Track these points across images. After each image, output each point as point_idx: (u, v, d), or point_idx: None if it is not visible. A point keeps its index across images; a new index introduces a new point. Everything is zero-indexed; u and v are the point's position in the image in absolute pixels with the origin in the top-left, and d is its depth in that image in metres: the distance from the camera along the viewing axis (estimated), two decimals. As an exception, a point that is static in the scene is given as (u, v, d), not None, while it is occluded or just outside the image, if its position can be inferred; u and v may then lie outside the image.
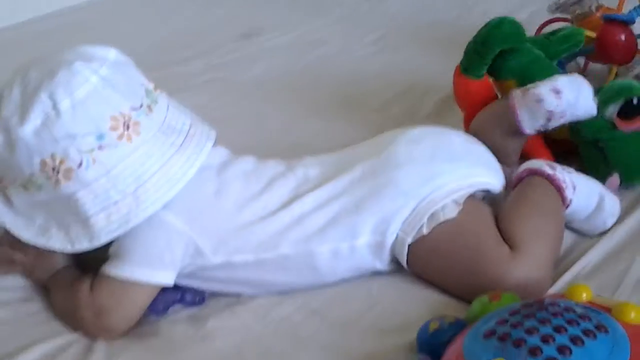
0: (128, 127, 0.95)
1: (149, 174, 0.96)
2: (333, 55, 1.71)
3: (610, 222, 1.08)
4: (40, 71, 0.95)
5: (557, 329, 0.76)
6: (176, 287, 1.02)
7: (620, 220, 1.07)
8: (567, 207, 1.04)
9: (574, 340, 0.75)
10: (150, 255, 0.98)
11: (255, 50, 1.74)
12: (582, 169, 1.10)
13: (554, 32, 1.30)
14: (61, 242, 0.97)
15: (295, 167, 1.06)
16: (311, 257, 1.00)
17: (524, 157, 1.14)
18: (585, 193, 1.06)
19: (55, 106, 0.92)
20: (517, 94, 1.10)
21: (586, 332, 0.76)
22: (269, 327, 0.96)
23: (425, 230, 0.99)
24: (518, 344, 0.76)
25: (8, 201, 1.00)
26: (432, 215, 0.99)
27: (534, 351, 0.74)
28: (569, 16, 1.47)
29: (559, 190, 1.03)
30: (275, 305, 0.99)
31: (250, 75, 1.62)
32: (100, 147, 0.94)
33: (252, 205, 1.01)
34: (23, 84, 0.95)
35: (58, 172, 0.94)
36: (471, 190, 1.02)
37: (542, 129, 1.10)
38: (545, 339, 0.75)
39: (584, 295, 0.85)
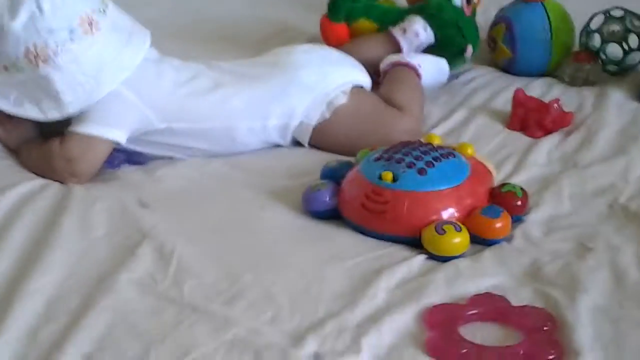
0: (91, 25, 1.25)
1: (106, 61, 1.26)
2: (210, 4, 2.04)
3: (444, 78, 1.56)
4: None
5: (424, 153, 1.14)
6: (124, 152, 1.32)
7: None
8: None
9: (435, 159, 1.13)
10: (109, 118, 1.27)
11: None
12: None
13: None
14: (35, 112, 1.26)
15: (212, 66, 1.38)
16: (232, 130, 1.33)
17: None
18: (429, 66, 1.51)
19: (39, 6, 1.21)
20: (397, 31, 1.55)
21: (443, 155, 1.14)
22: (204, 175, 1.27)
23: (327, 115, 1.34)
24: (399, 161, 1.13)
25: None
26: (329, 103, 1.34)
27: (409, 165, 1.12)
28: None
29: (414, 70, 1.46)
30: (206, 162, 1.31)
31: (145, 17, 1.91)
32: (71, 40, 1.23)
33: (186, 86, 1.32)
34: None
35: (37, 57, 1.22)
36: (352, 84, 1.38)
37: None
38: (417, 158, 1.13)
39: (436, 141, 1.24)
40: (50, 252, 1.03)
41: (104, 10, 1.28)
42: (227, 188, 1.24)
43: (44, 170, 1.26)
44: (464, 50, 1.58)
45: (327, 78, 1.37)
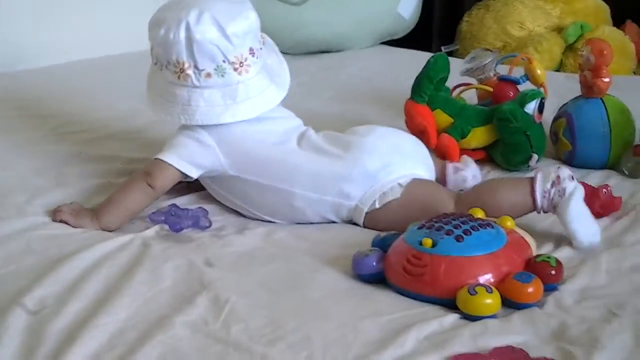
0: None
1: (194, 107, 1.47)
2: (300, 101, 2.20)
3: None
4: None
5: (463, 222, 1.23)
6: (191, 217, 1.46)
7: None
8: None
9: (473, 228, 1.22)
10: (185, 154, 1.47)
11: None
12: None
13: None
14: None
15: (304, 133, 1.54)
16: (291, 195, 1.45)
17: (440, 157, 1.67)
18: None
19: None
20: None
21: (481, 225, 1.23)
22: (270, 243, 1.40)
23: (377, 205, 1.43)
24: (439, 229, 1.22)
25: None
26: (383, 194, 1.44)
27: (448, 232, 1.21)
28: (474, 79, 1.97)
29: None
30: (271, 232, 1.43)
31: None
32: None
33: (277, 147, 1.49)
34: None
35: (182, 72, 1.46)
36: (412, 177, 1.46)
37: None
38: (455, 227, 1.22)
39: (479, 214, 1.33)
40: (119, 297, 1.17)
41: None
42: (289, 254, 1.35)
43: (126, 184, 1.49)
44: (529, 158, 1.67)
45: (389, 169, 1.45)
